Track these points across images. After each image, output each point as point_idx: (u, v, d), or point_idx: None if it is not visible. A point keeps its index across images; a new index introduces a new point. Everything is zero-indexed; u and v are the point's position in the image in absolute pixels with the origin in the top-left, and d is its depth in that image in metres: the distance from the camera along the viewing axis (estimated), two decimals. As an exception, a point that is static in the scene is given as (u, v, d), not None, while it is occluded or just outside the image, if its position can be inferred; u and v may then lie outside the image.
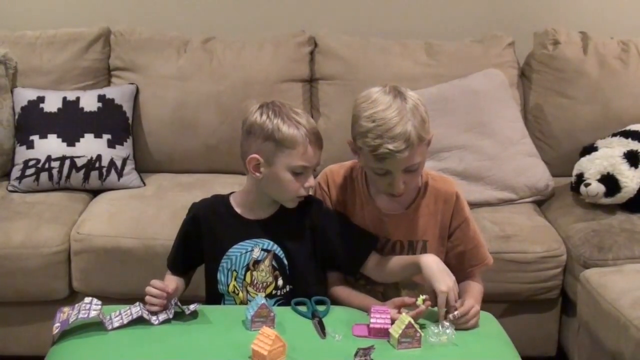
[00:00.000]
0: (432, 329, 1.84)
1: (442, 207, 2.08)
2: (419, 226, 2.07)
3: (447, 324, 1.85)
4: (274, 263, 2.04)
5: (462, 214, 2.09)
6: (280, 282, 2.04)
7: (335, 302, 2.06)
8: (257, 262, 2.04)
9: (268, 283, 2.04)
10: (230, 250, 2.04)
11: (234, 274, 2.04)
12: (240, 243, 2.04)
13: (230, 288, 2.05)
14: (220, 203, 2.11)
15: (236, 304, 2.06)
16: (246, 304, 2.00)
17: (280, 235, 2.05)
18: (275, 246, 2.04)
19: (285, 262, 2.04)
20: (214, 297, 2.09)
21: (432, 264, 1.94)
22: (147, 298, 1.93)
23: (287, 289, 2.05)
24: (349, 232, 2.07)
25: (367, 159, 1.95)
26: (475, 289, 2.07)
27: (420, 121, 1.90)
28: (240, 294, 2.05)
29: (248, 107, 2.04)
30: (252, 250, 2.04)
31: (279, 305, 2.04)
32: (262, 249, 2.04)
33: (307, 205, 2.07)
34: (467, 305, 1.91)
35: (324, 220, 2.07)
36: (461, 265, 2.09)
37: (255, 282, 2.04)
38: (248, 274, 2.04)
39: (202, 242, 2.08)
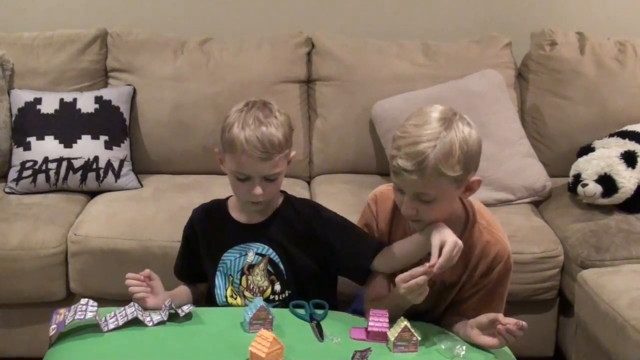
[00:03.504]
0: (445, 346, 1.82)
1: (480, 260, 1.92)
2: (453, 269, 1.84)
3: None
4: (269, 267, 2.01)
5: (491, 275, 1.92)
6: (277, 287, 2.02)
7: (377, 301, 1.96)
8: (251, 267, 2.02)
9: (264, 288, 2.02)
10: (225, 254, 2.03)
11: (230, 278, 2.03)
12: (235, 247, 2.03)
13: (228, 292, 2.04)
14: (217, 207, 2.09)
15: (233, 308, 2.05)
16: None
17: (276, 240, 2.01)
18: (271, 251, 2.01)
19: (282, 266, 2.01)
20: (214, 305, 2.07)
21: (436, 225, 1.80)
22: (130, 289, 1.92)
23: (286, 294, 2.02)
24: (352, 240, 2.00)
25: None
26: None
27: (445, 154, 1.71)
28: (238, 299, 2.03)
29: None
30: (246, 255, 2.02)
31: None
32: (257, 253, 2.02)
33: (303, 210, 2.03)
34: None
35: (325, 230, 2.01)
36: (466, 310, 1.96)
37: (252, 286, 2.02)
38: (243, 278, 2.02)
39: (199, 248, 2.07)
